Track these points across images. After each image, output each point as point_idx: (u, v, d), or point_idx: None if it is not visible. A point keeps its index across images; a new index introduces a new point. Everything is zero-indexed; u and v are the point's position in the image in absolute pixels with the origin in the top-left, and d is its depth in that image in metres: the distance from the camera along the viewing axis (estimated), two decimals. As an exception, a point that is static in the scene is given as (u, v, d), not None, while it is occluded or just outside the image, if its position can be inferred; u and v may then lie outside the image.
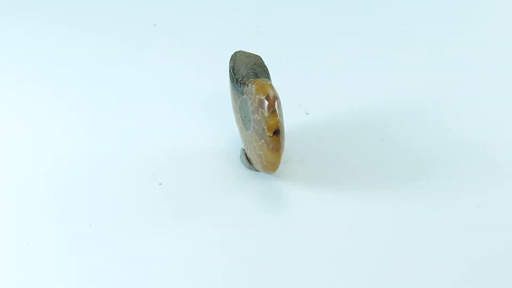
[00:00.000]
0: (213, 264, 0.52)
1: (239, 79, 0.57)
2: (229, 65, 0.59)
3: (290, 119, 0.61)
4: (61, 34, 0.78)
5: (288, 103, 0.58)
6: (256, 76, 0.57)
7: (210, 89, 0.69)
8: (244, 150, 0.59)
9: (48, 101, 0.68)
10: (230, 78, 0.58)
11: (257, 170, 0.59)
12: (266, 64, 0.59)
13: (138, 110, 0.68)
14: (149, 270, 0.51)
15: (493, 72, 0.73)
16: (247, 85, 0.55)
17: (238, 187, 0.58)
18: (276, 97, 0.53)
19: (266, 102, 0.53)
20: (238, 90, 0.57)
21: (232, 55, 0.60)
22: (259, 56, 0.60)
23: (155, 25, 0.79)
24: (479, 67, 0.74)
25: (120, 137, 0.64)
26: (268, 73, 0.58)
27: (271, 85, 0.54)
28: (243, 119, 0.58)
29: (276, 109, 0.53)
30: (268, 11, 0.83)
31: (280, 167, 0.59)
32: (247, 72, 0.57)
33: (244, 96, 0.56)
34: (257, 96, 0.54)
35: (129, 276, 0.51)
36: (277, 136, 0.53)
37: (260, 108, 0.53)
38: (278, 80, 0.60)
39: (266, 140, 0.54)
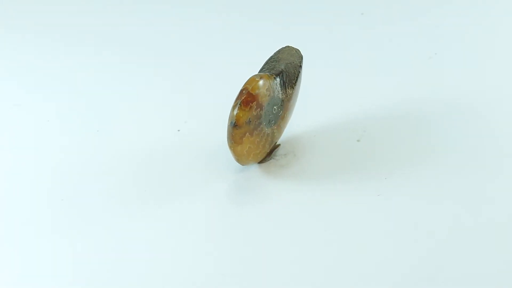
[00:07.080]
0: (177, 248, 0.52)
1: (263, 69, 0.57)
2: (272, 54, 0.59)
3: (341, 141, 0.61)
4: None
5: (349, 127, 0.59)
6: (279, 73, 0.56)
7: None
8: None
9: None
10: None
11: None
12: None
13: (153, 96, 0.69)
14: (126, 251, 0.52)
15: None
16: None
17: (224, 174, 0.59)
18: (253, 93, 0.53)
19: (239, 94, 0.53)
20: None
21: (282, 47, 0.60)
22: (302, 58, 0.59)
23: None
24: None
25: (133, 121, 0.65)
26: (297, 77, 0.58)
27: (258, 81, 0.54)
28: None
29: (243, 104, 0.53)
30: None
31: (276, 169, 0.58)
32: (275, 66, 0.57)
33: None
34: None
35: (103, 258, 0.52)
36: (232, 128, 0.53)
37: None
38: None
39: (227, 128, 0.54)
